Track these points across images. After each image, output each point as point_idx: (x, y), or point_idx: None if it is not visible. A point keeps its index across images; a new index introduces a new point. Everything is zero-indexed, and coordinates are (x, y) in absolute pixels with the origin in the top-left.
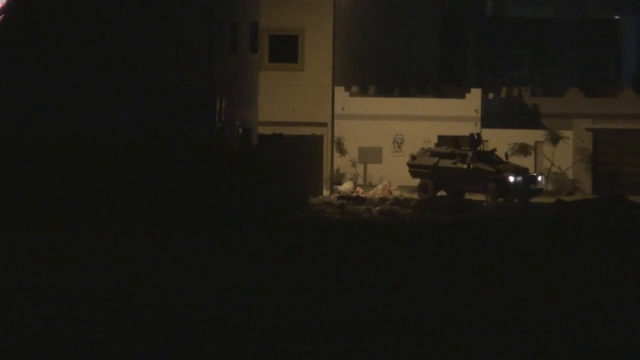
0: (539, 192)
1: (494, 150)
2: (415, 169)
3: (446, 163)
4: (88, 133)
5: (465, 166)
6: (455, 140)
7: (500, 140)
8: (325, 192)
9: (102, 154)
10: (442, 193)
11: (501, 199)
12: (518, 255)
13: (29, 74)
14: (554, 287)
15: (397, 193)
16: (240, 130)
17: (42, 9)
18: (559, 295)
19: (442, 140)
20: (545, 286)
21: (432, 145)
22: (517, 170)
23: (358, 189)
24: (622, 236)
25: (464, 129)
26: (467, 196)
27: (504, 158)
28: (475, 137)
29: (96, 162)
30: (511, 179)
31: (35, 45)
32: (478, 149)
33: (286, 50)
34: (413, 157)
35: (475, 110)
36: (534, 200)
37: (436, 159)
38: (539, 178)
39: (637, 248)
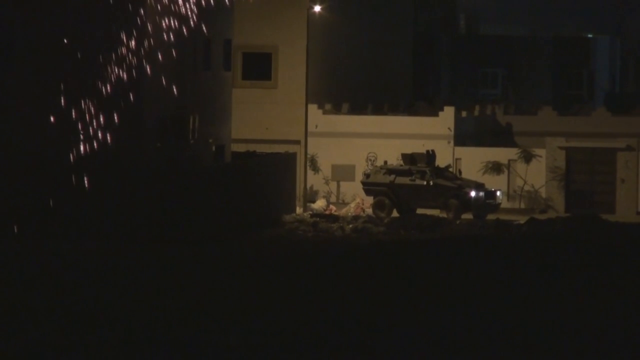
0: (497, 207)
1: (448, 166)
2: (370, 187)
3: (404, 180)
4: (58, 150)
5: (425, 183)
6: (411, 157)
7: (473, 159)
8: (299, 210)
9: (73, 171)
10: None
11: (474, 216)
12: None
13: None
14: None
15: (370, 211)
16: (214, 148)
17: (16, 21)
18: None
19: (405, 157)
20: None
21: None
22: (477, 186)
23: (331, 206)
24: (595, 255)
25: (438, 147)
26: (420, 212)
27: (457, 174)
28: (431, 153)
29: (66, 178)
30: (473, 194)
31: (4, 58)
32: (434, 165)
33: (260, 67)
34: (367, 176)
35: (449, 129)
36: (507, 218)
37: (392, 176)
38: (498, 193)
39: (611, 266)
